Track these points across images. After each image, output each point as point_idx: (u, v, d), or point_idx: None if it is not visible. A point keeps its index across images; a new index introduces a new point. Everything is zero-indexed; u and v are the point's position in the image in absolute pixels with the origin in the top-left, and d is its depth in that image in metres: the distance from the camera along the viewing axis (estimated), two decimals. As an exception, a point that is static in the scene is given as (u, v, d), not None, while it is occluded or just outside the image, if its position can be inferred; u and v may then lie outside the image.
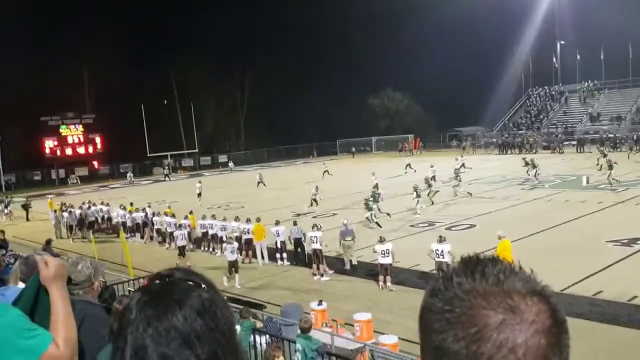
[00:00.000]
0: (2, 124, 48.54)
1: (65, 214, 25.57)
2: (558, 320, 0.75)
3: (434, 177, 28.92)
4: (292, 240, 16.98)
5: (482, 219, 20.61)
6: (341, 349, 9.08)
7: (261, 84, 69.54)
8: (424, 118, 74.25)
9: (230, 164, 59.21)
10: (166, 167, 56.14)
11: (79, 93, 62.29)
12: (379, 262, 13.87)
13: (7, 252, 8.68)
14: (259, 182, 35.95)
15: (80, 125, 58.99)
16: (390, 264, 13.78)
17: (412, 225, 20.66)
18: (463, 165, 33.57)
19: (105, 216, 26.42)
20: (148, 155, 58.14)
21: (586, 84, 62.07)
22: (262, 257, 17.55)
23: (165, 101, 63.49)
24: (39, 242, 19.24)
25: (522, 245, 16.08)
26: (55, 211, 26.66)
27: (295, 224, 17.89)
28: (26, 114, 52.09)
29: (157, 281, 0.99)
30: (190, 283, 0.98)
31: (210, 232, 19.48)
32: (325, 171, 38.93)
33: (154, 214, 23.10)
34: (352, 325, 10.72)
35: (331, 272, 15.60)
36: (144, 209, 24.05)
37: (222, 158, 65.70)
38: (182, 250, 18.13)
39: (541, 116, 62.10)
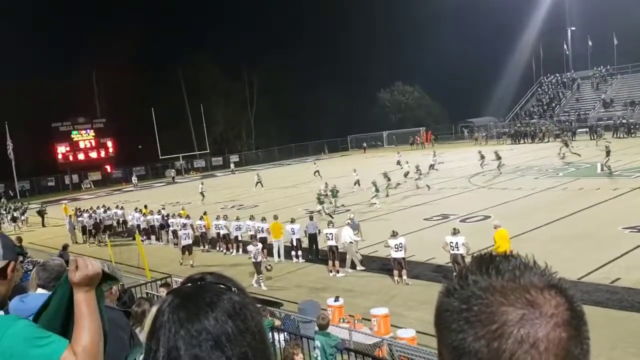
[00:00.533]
0: (14, 131, 49.13)
1: (85, 215, 25.86)
2: (577, 312, 0.75)
3: (407, 173, 30.32)
4: (308, 235, 17.06)
5: (496, 210, 20.45)
6: (359, 344, 9.10)
7: (270, 82, 69.63)
8: (435, 110, 73.92)
9: (232, 165, 59.41)
10: (173, 171, 56.38)
11: (89, 98, 62.84)
12: (392, 256, 13.83)
13: (26, 259, 8.77)
14: (257, 183, 36.02)
15: (92, 130, 59.50)
16: (404, 258, 13.75)
17: (425, 219, 20.60)
18: (432, 165, 33.94)
19: (121, 219, 26.67)
20: (160, 157, 58.52)
21: (598, 70, 61.37)
22: (279, 255, 17.63)
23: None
24: (55, 248, 19.43)
25: (538, 235, 15.99)
26: (69, 216, 26.95)
27: (311, 218, 18.12)
28: (37, 121, 52.70)
29: (189, 284, 1.01)
30: (222, 286, 0.99)
31: (222, 232, 19.58)
32: (316, 171, 38.15)
33: (167, 216, 23.25)
34: (370, 321, 10.72)
35: (353, 269, 15.49)
36: (158, 212, 24.23)
37: (234, 158, 65.96)
38: (186, 249, 18.54)
39: (553, 104, 61.52)
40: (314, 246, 17.06)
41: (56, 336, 1.70)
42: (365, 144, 65.88)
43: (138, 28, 57.05)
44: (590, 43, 62.50)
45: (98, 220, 25.45)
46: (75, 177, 57.47)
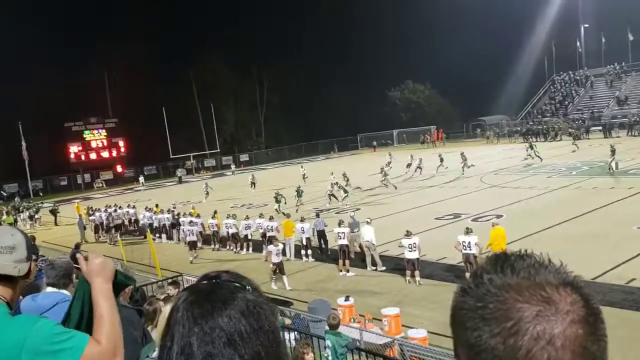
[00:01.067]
0: (27, 131, 49.65)
1: (98, 214, 26.13)
2: (593, 309, 0.75)
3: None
4: (316, 233, 17.03)
5: (509, 209, 20.32)
6: (370, 344, 9.05)
7: (280, 81, 69.75)
8: (446, 109, 73.50)
9: (232, 167, 59.59)
10: (179, 171, 56.60)
11: (101, 98, 63.31)
12: (406, 256, 13.75)
13: (39, 258, 8.84)
14: (252, 184, 36.06)
15: (103, 130, 60.08)
16: (418, 258, 13.68)
17: (437, 218, 20.50)
18: (419, 166, 33.42)
19: (132, 218, 26.83)
20: (171, 157, 58.79)
21: (612, 67, 60.76)
22: (289, 255, 17.60)
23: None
24: (68, 247, 19.56)
25: (551, 234, 15.83)
26: (80, 215, 27.16)
27: (318, 215, 18.19)
28: (50, 121, 53.35)
29: (205, 282, 1.02)
30: (237, 285, 1.01)
31: (231, 231, 19.65)
32: (303, 174, 37.11)
33: (179, 215, 23.35)
34: (380, 320, 10.68)
35: (374, 267, 15.38)
36: (169, 210, 24.34)
37: (244, 157, 66.11)
38: (192, 245, 19.18)
39: (566, 102, 60.98)
40: (322, 242, 17.02)
41: (77, 331, 1.75)
42: (375, 143, 65.66)
43: (149, 28, 57.41)
44: (603, 40, 61.89)
45: (110, 219, 25.63)
46: (87, 177, 57.97)
